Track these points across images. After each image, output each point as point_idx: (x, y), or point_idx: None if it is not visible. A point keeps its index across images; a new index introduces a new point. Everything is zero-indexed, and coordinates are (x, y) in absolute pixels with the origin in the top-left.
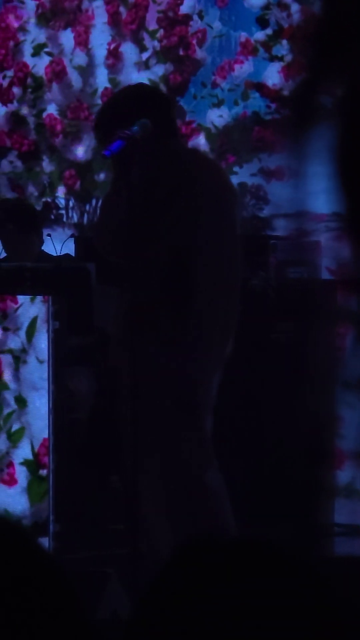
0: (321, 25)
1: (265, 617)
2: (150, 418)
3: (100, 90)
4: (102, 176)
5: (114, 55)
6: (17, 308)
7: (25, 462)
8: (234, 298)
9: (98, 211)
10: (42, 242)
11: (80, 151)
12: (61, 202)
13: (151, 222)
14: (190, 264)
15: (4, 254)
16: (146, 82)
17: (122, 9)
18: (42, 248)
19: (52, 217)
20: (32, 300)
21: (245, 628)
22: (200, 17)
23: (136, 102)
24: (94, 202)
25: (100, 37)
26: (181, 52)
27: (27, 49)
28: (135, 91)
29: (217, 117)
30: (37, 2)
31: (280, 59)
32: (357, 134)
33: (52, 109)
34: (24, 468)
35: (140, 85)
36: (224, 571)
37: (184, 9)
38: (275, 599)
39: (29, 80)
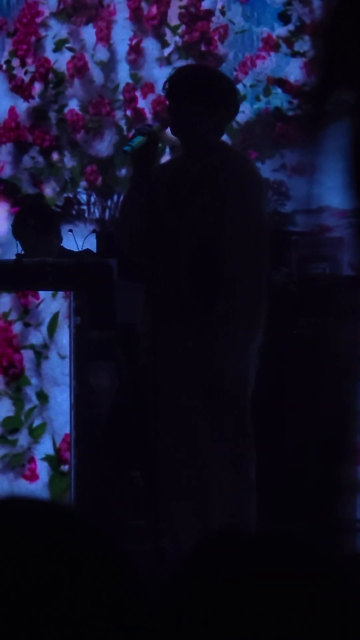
0: (335, 22)
1: (288, 611)
2: (187, 410)
3: (122, 85)
4: (123, 172)
5: (136, 50)
6: (39, 304)
7: (47, 458)
8: (261, 289)
9: (119, 208)
10: (60, 240)
11: (102, 147)
12: (83, 197)
13: (174, 215)
14: (217, 255)
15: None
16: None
17: (143, 5)
18: (64, 244)
19: (74, 212)
20: (53, 295)
21: (267, 621)
22: (222, 12)
23: (210, 90)
24: (115, 197)
25: (122, 33)
26: (203, 48)
27: (49, 45)
28: (217, 79)
29: (239, 112)
30: None
31: (303, 54)
32: None
33: (73, 105)
34: (45, 463)
35: (223, 76)
36: (247, 565)
37: (205, 5)
38: (298, 593)
39: (51, 75)
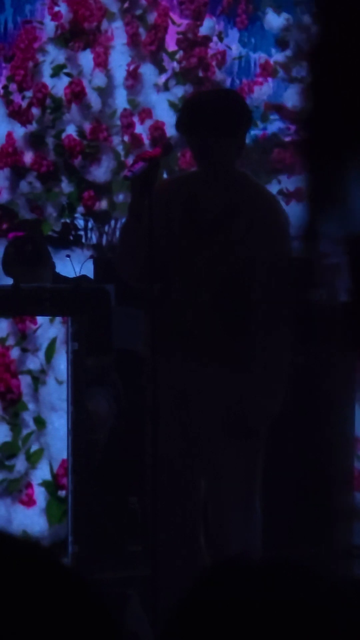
0: (322, 44)
1: (298, 636)
2: (204, 437)
3: (119, 111)
4: (121, 197)
5: (133, 76)
6: (37, 329)
7: (44, 483)
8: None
9: (119, 236)
10: (53, 268)
11: (99, 172)
12: (80, 223)
13: (196, 243)
14: (246, 287)
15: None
16: (165, 103)
17: (141, 30)
18: (61, 270)
19: (71, 238)
20: (51, 321)
21: None
22: (220, 38)
23: (235, 115)
24: (113, 223)
25: (120, 58)
26: (200, 74)
27: (47, 70)
28: (237, 101)
29: None
30: (57, 23)
31: (300, 80)
32: None
33: (71, 130)
34: (42, 489)
35: (239, 97)
36: (254, 593)
37: (203, 31)
38: (309, 618)
39: (48, 101)
